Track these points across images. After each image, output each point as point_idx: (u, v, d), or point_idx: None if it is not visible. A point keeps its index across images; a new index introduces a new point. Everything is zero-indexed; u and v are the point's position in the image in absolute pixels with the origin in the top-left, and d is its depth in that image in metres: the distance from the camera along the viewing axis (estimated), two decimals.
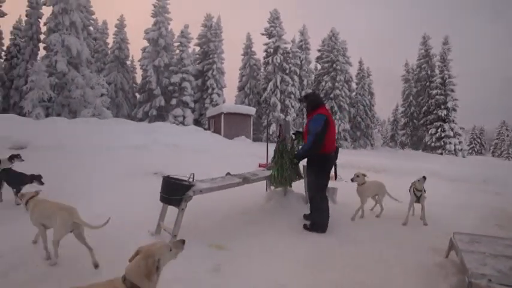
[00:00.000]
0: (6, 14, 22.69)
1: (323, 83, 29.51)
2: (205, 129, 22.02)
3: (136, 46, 40.60)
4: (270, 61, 26.80)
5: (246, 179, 3.61)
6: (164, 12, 26.94)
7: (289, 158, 3.82)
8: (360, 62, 33.60)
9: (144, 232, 3.14)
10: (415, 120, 32.58)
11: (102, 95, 21.11)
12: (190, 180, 3.02)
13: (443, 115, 27.57)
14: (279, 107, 25.54)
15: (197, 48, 30.81)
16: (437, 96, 28.15)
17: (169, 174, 3.60)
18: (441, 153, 26.38)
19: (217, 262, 2.62)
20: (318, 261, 2.75)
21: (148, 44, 27.16)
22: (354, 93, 32.55)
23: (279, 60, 26.34)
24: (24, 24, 24.74)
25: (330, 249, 3.02)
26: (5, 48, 25.10)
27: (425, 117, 30.12)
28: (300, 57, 28.93)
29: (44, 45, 21.67)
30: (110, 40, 30.20)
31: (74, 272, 2.31)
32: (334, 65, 28.99)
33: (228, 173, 3.83)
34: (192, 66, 27.68)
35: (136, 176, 6.07)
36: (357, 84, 33.04)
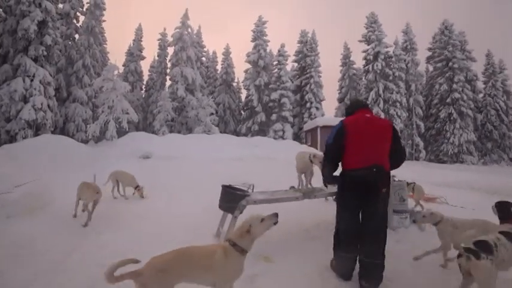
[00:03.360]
0: (145, 58, 29.66)
1: (437, 86, 25.68)
2: (302, 143, 22.26)
3: (241, 69, 44.75)
4: (371, 68, 25.16)
5: (306, 194, 3.64)
6: (262, 36, 29.00)
7: None
8: (488, 55, 27.71)
9: (211, 232, 3.63)
10: None
11: (211, 114, 24.16)
12: (250, 190, 3.27)
13: None
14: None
15: (295, 65, 31.76)
16: None
17: (247, 183, 3.99)
18: None
19: (256, 272, 2.65)
20: None
21: (250, 66, 29.64)
22: (480, 95, 27.05)
23: (380, 67, 24.48)
24: (156, 63, 30.93)
25: None
26: (144, 82, 31.89)
27: None
28: (405, 60, 26.10)
29: (169, 76, 26.77)
30: (219, 66, 34.38)
31: None
32: (450, 64, 24.88)
33: (292, 187, 3.93)
34: (290, 83, 28.63)
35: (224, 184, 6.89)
36: (484, 83, 27.31)
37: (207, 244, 2.20)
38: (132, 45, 29.40)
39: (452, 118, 24.25)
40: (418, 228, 3.93)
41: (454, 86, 24.38)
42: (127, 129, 16.10)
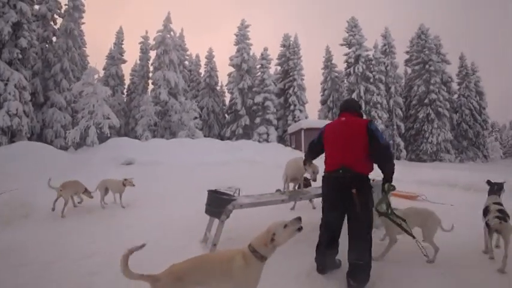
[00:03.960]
0: (126, 61, 29.16)
1: (415, 88, 26.69)
2: (286, 145, 22.44)
3: (224, 72, 44.59)
4: (352, 71, 25.82)
5: (292, 196, 3.69)
6: (245, 39, 29.13)
7: None
8: (461, 58, 29.08)
9: (197, 238, 3.59)
10: None
11: (195, 118, 23.95)
12: (236, 195, 3.26)
13: None
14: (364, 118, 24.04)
15: (278, 68, 32.05)
16: None
17: (233, 187, 3.98)
18: None
19: None
20: None
21: (233, 70, 29.65)
22: (455, 96, 28.29)
23: (361, 69, 25.15)
24: (138, 66, 30.40)
25: None
26: (126, 86, 31.22)
27: None
28: (384, 63, 26.93)
29: (151, 80, 26.29)
30: (202, 70, 34.18)
31: None
32: (427, 66, 25.95)
33: (278, 190, 3.96)
34: (273, 86, 28.84)
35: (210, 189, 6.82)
36: (459, 84, 28.61)
37: (224, 250, 2.14)
38: (112, 48, 28.77)
39: (430, 118, 25.20)
40: None
41: (431, 87, 25.38)
42: (108, 135, 15.71)
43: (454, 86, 28.40)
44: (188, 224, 4.18)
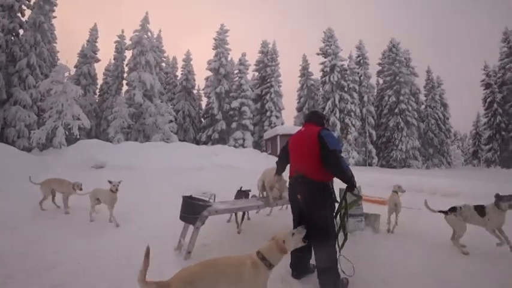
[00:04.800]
0: (99, 60, 28.02)
1: (386, 98, 27.91)
2: (262, 151, 22.54)
3: (201, 76, 44.24)
4: (327, 80, 26.53)
5: (267, 202, 3.71)
6: (224, 44, 29.12)
7: None
8: (428, 71, 30.87)
9: (171, 245, 3.48)
10: (503, 132, 27.51)
11: (170, 121, 23.46)
12: (211, 200, 3.22)
13: None
14: (338, 126, 24.80)
15: (255, 74, 32.26)
16: None
17: (208, 193, 3.89)
18: None
19: None
20: None
21: (211, 74, 29.47)
22: (423, 107, 29.91)
23: (336, 79, 25.92)
24: (112, 66, 29.37)
25: None
26: (98, 86, 30.00)
27: None
28: (358, 73, 27.98)
29: (126, 81, 25.41)
30: (179, 73, 33.66)
31: None
32: (397, 78, 27.28)
33: (254, 195, 3.96)
34: (250, 91, 28.97)
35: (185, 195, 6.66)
36: (425, 96, 30.31)
37: (232, 255, 2.17)
38: (85, 45, 27.56)
39: (400, 127, 26.43)
40: (372, 230, 4.17)
41: (401, 98, 26.68)
42: (78, 137, 14.98)
43: (422, 97, 30.02)
44: (161, 231, 4.06)
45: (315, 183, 2.65)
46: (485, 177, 16.95)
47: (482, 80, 29.41)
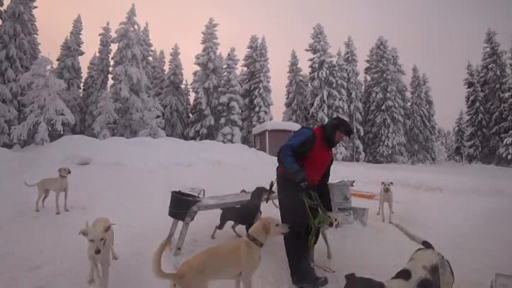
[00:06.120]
0: (84, 53, 27.19)
1: (373, 95, 28.32)
2: (251, 146, 22.50)
3: (189, 71, 43.69)
4: (316, 76, 26.65)
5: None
6: (212, 39, 28.77)
7: None
8: (414, 69, 31.46)
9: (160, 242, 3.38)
10: (484, 129, 28.60)
11: (157, 116, 23.09)
12: (200, 196, 3.19)
13: None
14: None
15: (244, 69, 32.06)
16: (510, 100, 24.75)
17: (197, 189, 3.84)
18: None
19: None
20: None
21: (199, 68, 29.13)
22: (409, 104, 30.52)
23: (324, 75, 26.08)
24: (97, 60, 28.59)
25: None
26: (83, 80, 29.18)
27: (497, 125, 26.54)
28: (346, 70, 28.23)
29: (112, 75, 24.79)
30: (167, 67, 33.11)
31: None
32: (385, 75, 27.69)
33: (243, 190, 3.95)
34: (239, 86, 28.82)
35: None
36: (411, 93, 30.90)
37: (228, 242, 2.47)
38: (69, 38, 26.63)
39: (386, 123, 26.92)
40: (360, 223, 4.23)
41: (388, 94, 27.14)
42: (62, 132, 14.52)
43: (408, 94, 30.62)
44: (150, 228, 4.00)
45: (279, 176, 3.00)
46: (467, 172, 17.55)
47: (466, 79, 30.40)
